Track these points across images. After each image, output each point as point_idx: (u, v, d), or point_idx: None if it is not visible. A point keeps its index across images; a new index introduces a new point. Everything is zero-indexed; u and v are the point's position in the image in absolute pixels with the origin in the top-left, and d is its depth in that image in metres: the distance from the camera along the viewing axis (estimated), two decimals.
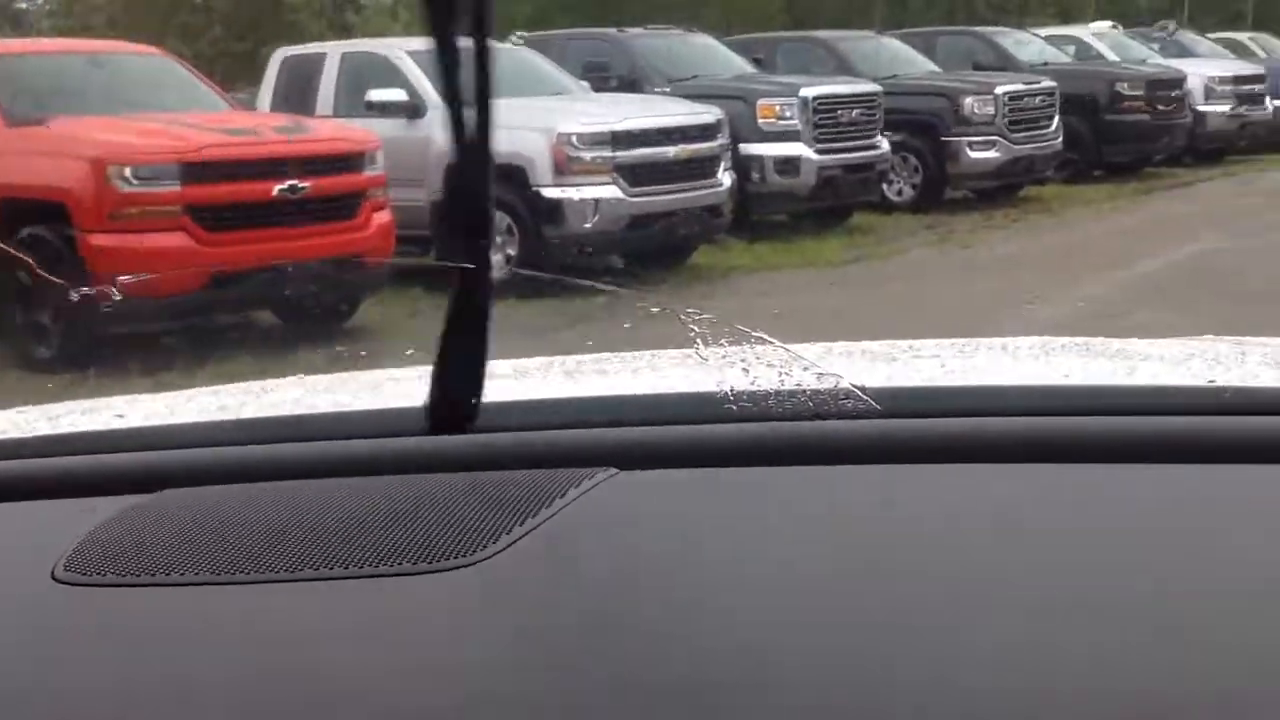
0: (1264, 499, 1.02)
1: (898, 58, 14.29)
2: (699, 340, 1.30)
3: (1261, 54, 21.25)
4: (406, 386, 1.44)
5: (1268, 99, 17.69)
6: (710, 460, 1.14)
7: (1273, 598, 0.87)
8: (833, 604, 0.91)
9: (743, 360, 1.26)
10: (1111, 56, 17.22)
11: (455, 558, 0.98)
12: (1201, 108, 16.68)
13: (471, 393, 1.21)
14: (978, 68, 14.73)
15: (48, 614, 0.99)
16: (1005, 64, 15.08)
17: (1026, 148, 13.36)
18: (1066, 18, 28.06)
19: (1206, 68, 17.35)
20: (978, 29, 16.70)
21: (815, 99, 11.50)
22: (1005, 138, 13.14)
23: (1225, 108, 16.93)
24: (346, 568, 0.99)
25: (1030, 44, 16.30)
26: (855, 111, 11.87)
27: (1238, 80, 17.31)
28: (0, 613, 1.02)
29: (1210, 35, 22.19)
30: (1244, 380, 1.27)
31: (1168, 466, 1.06)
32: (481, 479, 1.13)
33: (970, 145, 13.07)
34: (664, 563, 1.00)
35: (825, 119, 11.56)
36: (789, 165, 11.33)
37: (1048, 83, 13.83)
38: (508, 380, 1.50)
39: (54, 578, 1.01)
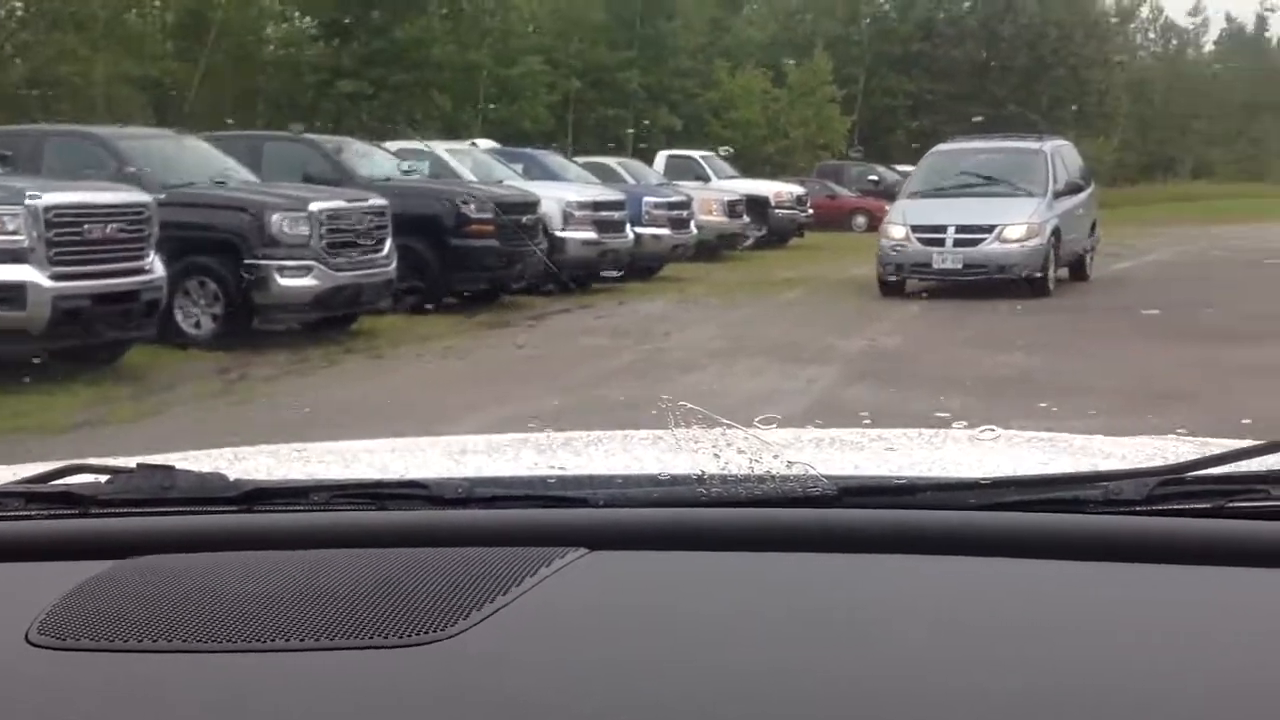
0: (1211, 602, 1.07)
1: (202, 162, 11.89)
2: (671, 421, 1.36)
3: (629, 180, 20.94)
4: (380, 459, 1.63)
5: (628, 226, 16.95)
6: (680, 544, 1.17)
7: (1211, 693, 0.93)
8: (800, 693, 0.94)
9: (714, 445, 1.30)
10: (468, 175, 15.75)
11: (425, 633, 1.00)
12: (560, 234, 15.57)
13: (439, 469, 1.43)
14: (309, 180, 12.60)
15: (22, 677, 1.01)
16: (342, 177, 13.09)
17: (351, 274, 11.32)
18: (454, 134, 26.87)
19: (565, 192, 16.30)
20: (312, 137, 14.63)
21: (50, 209, 8.84)
22: (324, 262, 11.03)
23: (585, 234, 15.91)
24: (317, 639, 1.01)
25: (373, 156, 14.45)
26: (112, 227, 9.31)
27: (597, 206, 16.38)
28: None
29: (580, 160, 21.67)
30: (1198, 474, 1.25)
31: (1142, 566, 1.11)
32: (452, 555, 1.14)
33: (280, 271, 10.85)
34: (632, 646, 1.02)
35: (67, 235, 8.94)
36: (10, 294, 8.60)
37: (376, 200, 11.90)
38: (480, 455, 1.64)
39: (28, 641, 1.03)
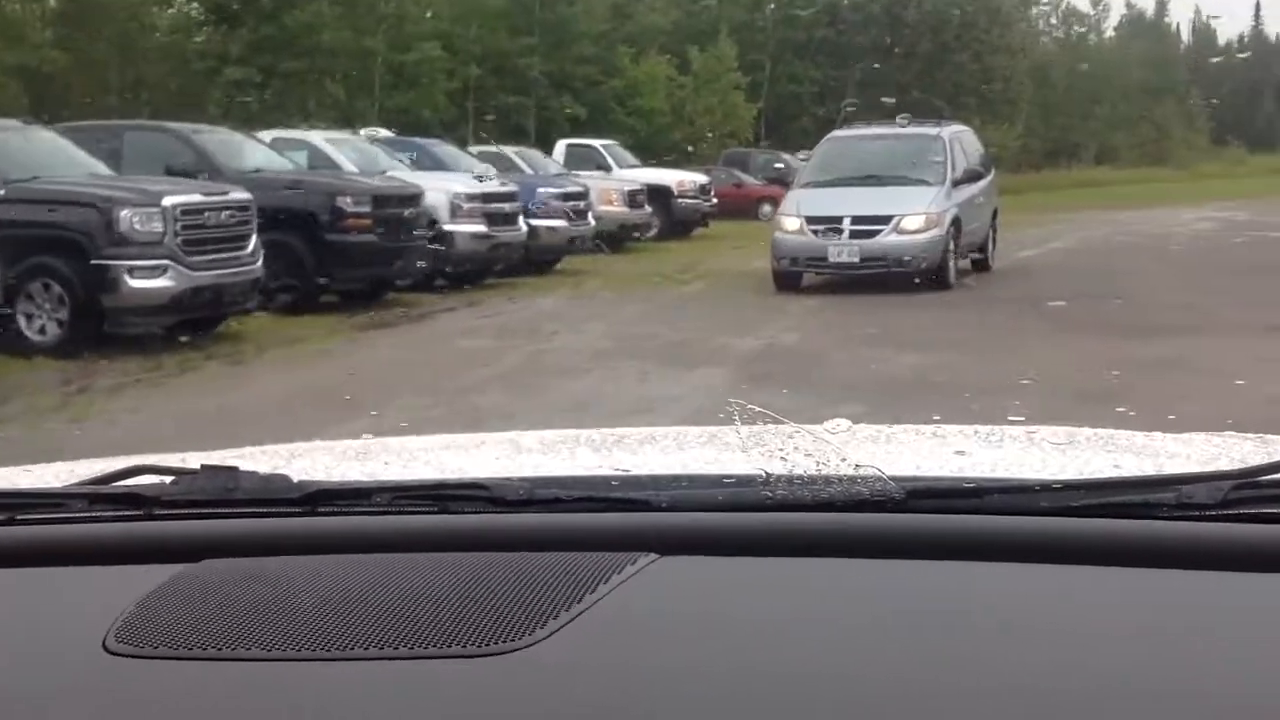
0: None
1: (50, 155, 11.00)
2: (737, 420, 1.34)
3: (527, 169, 20.26)
4: (437, 457, 1.64)
5: (521, 218, 16.26)
6: (748, 549, 1.15)
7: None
8: (870, 701, 0.94)
9: (778, 445, 1.27)
10: (348, 166, 14.94)
11: (503, 641, 1.00)
12: (448, 227, 14.82)
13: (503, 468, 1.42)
14: (171, 173, 11.75)
15: (102, 686, 1.00)
16: (209, 169, 12.25)
17: (212, 274, 10.52)
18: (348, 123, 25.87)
19: (453, 183, 15.55)
20: (174, 125, 13.73)
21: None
22: (180, 262, 10.22)
23: (475, 227, 15.19)
24: (395, 648, 1.00)
25: (242, 145, 13.59)
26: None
27: (487, 198, 15.65)
28: (53, 682, 1.02)
29: (476, 149, 20.93)
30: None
31: (1219, 574, 1.08)
32: (521, 560, 1.13)
33: (131, 271, 10.02)
34: (706, 653, 1.02)
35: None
36: None
37: (239, 194, 11.09)
38: (536, 454, 1.63)
39: (105, 648, 1.02)
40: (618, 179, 23.15)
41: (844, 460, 1.22)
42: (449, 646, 1.00)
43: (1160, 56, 67.11)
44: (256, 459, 1.53)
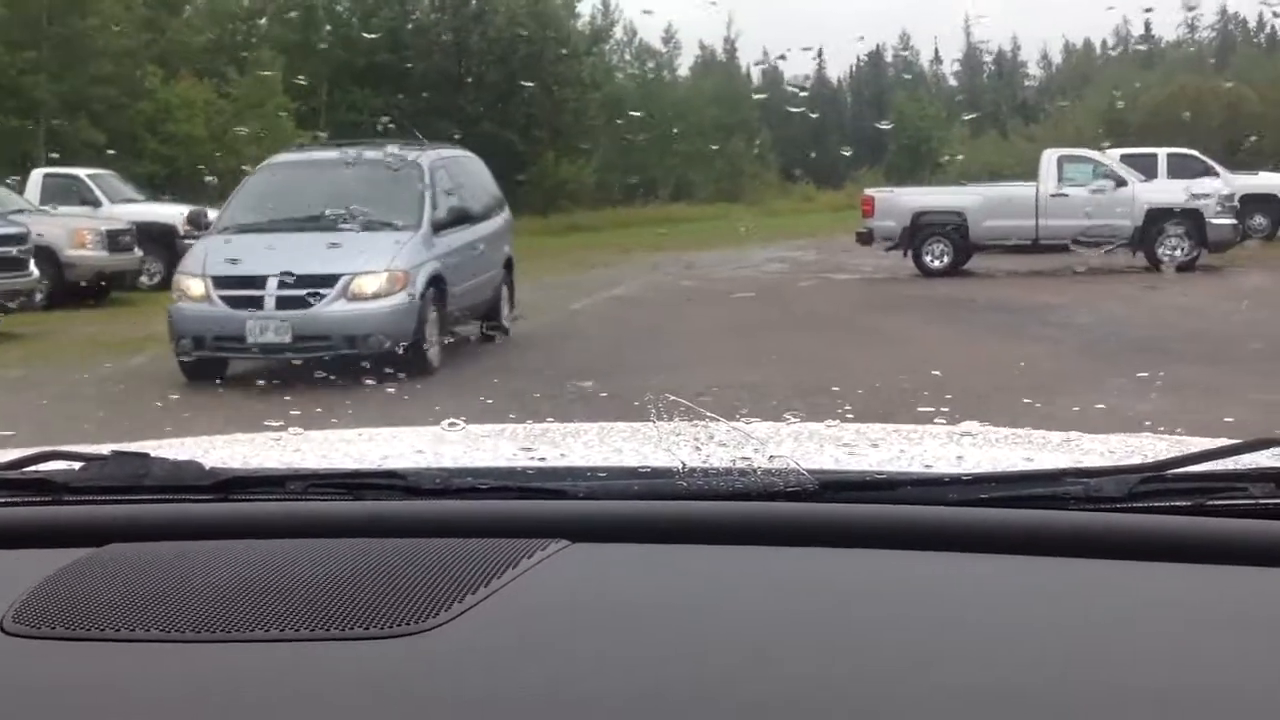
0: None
1: None
2: (653, 414, 1.40)
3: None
4: (357, 448, 1.66)
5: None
6: (660, 537, 1.18)
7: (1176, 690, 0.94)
8: (779, 685, 0.94)
9: (696, 437, 1.33)
10: None
11: (406, 624, 1.01)
12: None
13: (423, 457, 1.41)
14: None
15: None
16: None
17: None
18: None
19: None
20: None
21: None
22: None
23: None
24: (296, 630, 1.01)
25: None
26: None
27: None
28: None
29: None
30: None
31: (1123, 563, 1.11)
32: (431, 545, 1.15)
33: None
34: (612, 638, 1.03)
35: None
36: None
37: None
38: (458, 446, 1.62)
39: (2, 629, 1.03)
40: (100, 217, 19.12)
41: (759, 452, 1.26)
42: (352, 628, 1.00)
43: (731, 95, 68.03)
44: (173, 448, 1.52)
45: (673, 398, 1.38)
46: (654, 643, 1.01)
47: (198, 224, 11.31)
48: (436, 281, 10.83)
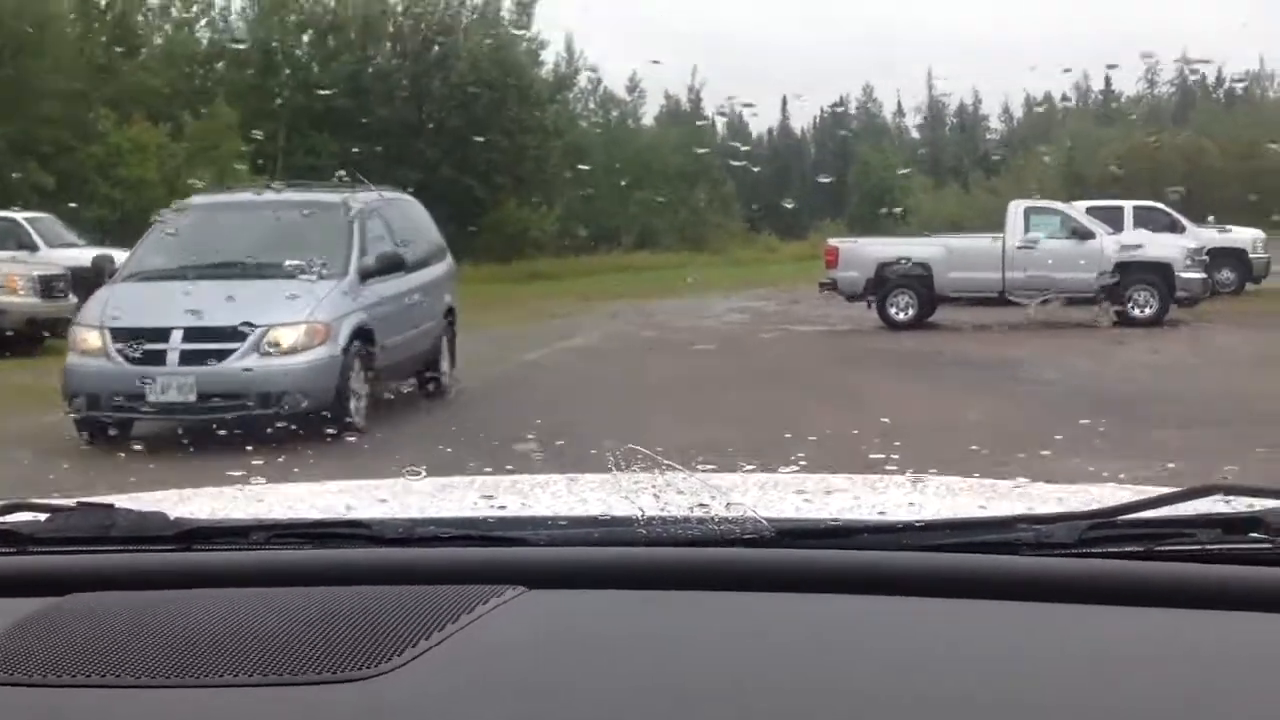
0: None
1: None
2: (614, 466, 1.41)
3: None
4: (324, 500, 1.64)
5: None
6: (617, 583, 1.18)
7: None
8: None
9: (656, 487, 1.34)
10: None
11: (360, 668, 1.02)
12: None
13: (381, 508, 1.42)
14: None
15: None
16: None
17: None
18: None
19: None
20: None
21: None
22: None
23: None
24: (250, 675, 1.02)
25: None
26: None
27: None
28: None
29: None
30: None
31: (1073, 607, 1.13)
32: (391, 593, 1.15)
33: None
34: (564, 683, 1.03)
35: None
36: None
37: None
38: (425, 497, 1.63)
39: None
40: (35, 261, 18.43)
41: (717, 500, 1.27)
42: (303, 673, 1.01)
43: (695, 144, 67.91)
44: (139, 500, 1.53)
45: (634, 448, 1.39)
46: (608, 687, 1.01)
47: (102, 271, 10.19)
48: (363, 334, 9.83)
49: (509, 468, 1.70)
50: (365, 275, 10.21)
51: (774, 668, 1.03)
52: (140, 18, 40.48)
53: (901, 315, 20.72)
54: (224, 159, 35.20)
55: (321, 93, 39.86)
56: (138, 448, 8.79)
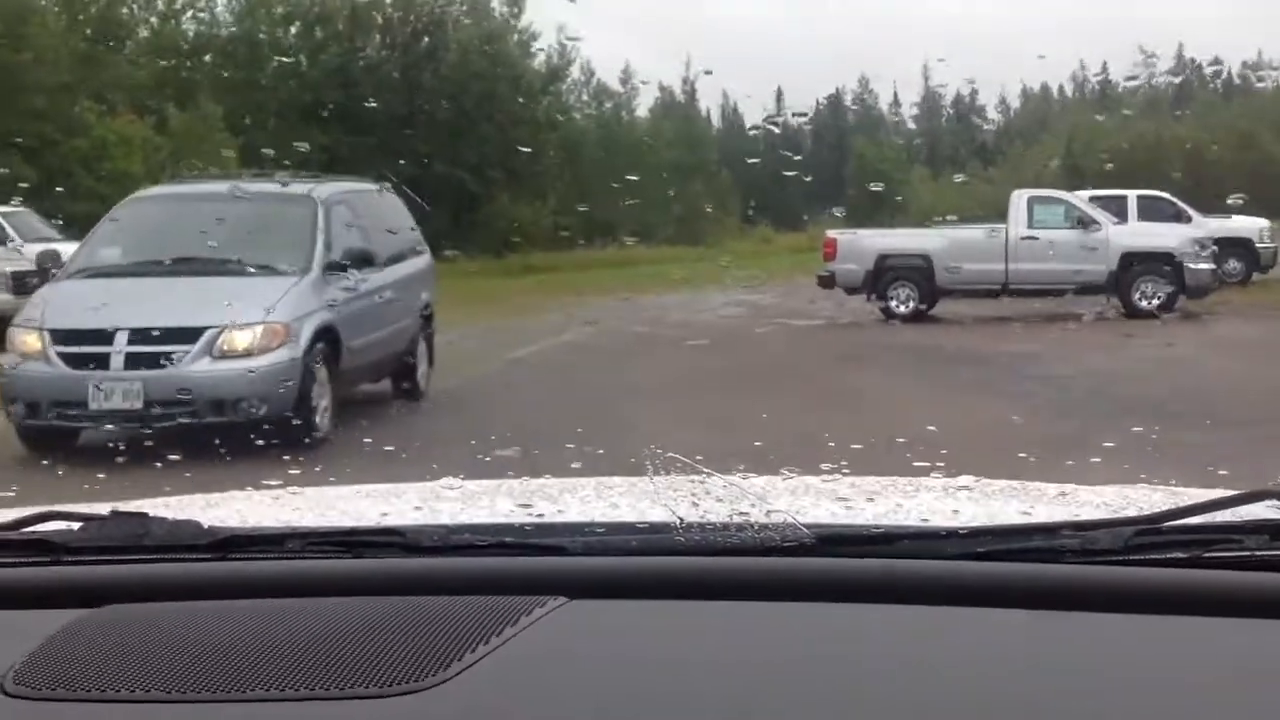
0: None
1: None
2: (649, 470, 1.41)
3: None
4: (355, 505, 1.62)
5: None
6: (658, 593, 1.18)
7: None
8: None
9: (691, 492, 1.33)
10: None
11: (406, 683, 1.01)
12: None
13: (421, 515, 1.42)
14: None
15: None
16: None
17: None
18: None
19: None
20: None
21: None
22: None
23: None
24: (296, 690, 1.01)
25: None
26: None
27: None
28: None
29: None
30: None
31: (1119, 616, 1.12)
32: (430, 604, 1.15)
33: None
34: (612, 696, 1.03)
35: None
36: None
37: None
38: (455, 503, 1.63)
39: (3, 690, 1.03)
40: (8, 256, 17.86)
41: (756, 507, 1.25)
42: (350, 688, 1.00)
43: (691, 137, 67.33)
44: (171, 507, 1.52)
45: (670, 454, 1.37)
46: (653, 698, 1.01)
47: (47, 268, 9.43)
48: (328, 335, 9.01)
49: (545, 476, 1.71)
50: (332, 271, 9.47)
51: (820, 679, 1.03)
52: (125, 10, 39.82)
53: (902, 308, 20.15)
54: (210, 152, 34.65)
55: (309, 86, 39.31)
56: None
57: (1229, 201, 23.90)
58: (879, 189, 57.12)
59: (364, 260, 9.85)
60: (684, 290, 28.39)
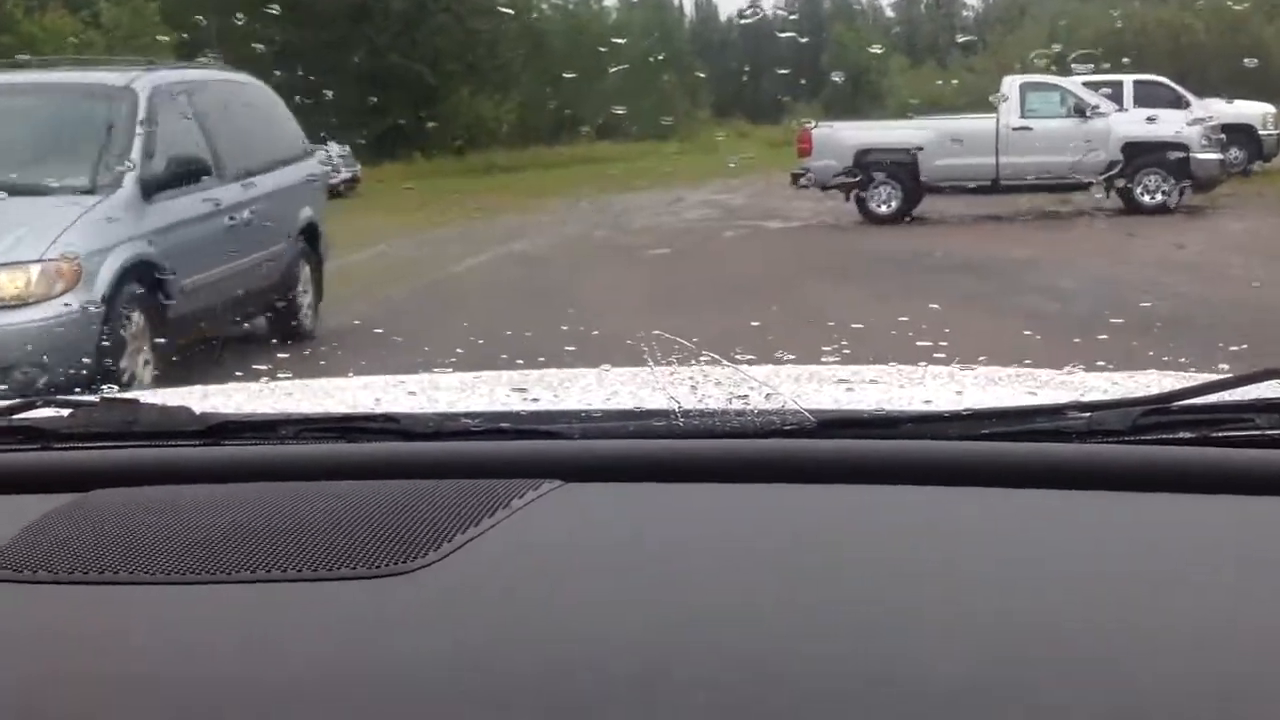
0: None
1: None
2: (649, 357, 1.40)
3: None
4: (351, 395, 1.60)
5: None
6: (654, 475, 1.16)
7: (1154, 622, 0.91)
8: (776, 623, 0.92)
9: (691, 378, 1.32)
10: None
11: (395, 564, 1.00)
12: None
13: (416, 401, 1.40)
14: None
15: None
16: None
17: None
18: None
19: None
20: None
21: None
22: None
23: None
24: (285, 570, 0.99)
25: None
26: None
27: None
28: None
29: None
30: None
31: (1127, 495, 1.11)
32: (424, 487, 1.14)
33: None
34: (604, 576, 1.02)
35: None
36: None
37: None
38: (454, 391, 1.61)
39: None
40: None
41: (757, 392, 1.24)
42: (340, 568, 0.99)
43: (662, 27, 65.19)
44: (166, 397, 1.49)
45: (669, 337, 1.34)
46: (648, 579, 0.99)
47: None
48: (144, 273, 6.98)
49: (541, 359, 1.60)
50: (156, 187, 7.36)
51: (817, 558, 1.01)
52: None
53: (884, 208, 18.57)
54: (146, 48, 32.68)
55: None
56: None
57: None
58: (859, 83, 55.23)
59: (198, 171, 7.79)
60: (654, 189, 26.80)
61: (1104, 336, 7.16)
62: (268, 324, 8.84)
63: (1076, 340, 8.05)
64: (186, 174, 7.62)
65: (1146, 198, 17.54)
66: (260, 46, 36.81)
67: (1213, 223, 16.71)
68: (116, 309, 6.68)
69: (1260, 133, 23.46)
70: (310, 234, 9.40)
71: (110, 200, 7.04)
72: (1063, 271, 11.80)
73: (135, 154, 7.29)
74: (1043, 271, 11.93)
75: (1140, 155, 17.58)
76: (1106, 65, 24.08)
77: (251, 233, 8.35)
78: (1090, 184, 17.19)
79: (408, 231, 17.87)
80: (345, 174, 29.12)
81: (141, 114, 7.43)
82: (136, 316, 6.86)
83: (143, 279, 7.01)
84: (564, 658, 0.88)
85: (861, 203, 18.63)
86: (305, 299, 9.12)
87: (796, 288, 11.12)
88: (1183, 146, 17.45)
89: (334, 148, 28.55)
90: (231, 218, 8.17)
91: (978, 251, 14.19)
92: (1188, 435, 1.18)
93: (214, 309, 7.70)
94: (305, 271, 9.17)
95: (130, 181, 7.19)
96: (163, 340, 6.84)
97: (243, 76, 9.53)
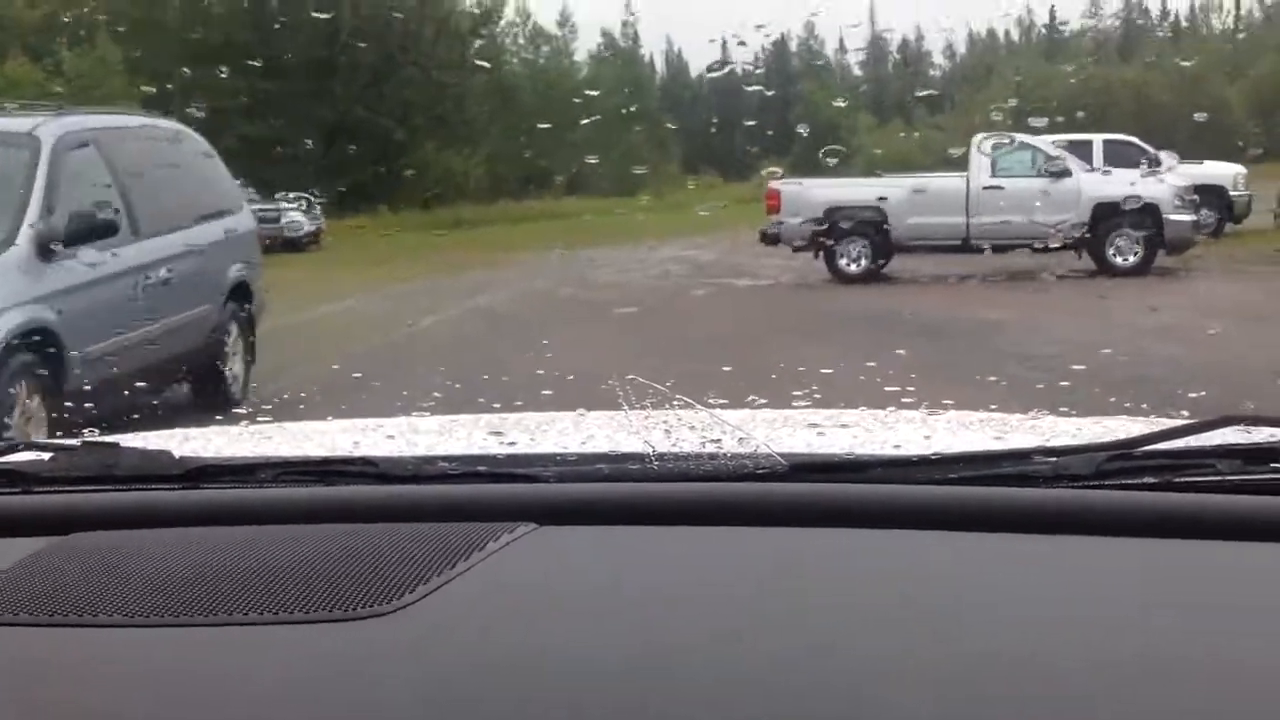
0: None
1: None
2: (624, 401, 1.41)
3: None
4: (331, 439, 1.61)
5: None
6: (629, 518, 1.18)
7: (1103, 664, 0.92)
8: (747, 664, 0.93)
9: (665, 422, 1.35)
10: None
11: (371, 606, 1.01)
12: None
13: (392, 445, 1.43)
14: None
15: None
16: None
17: None
18: None
19: None
20: None
21: None
22: None
23: None
24: (261, 613, 1.00)
25: None
26: None
27: None
28: None
29: None
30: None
31: (1091, 539, 1.12)
32: (400, 530, 1.15)
33: None
34: (577, 619, 1.02)
35: None
36: None
37: None
38: (432, 435, 1.63)
39: None
40: None
41: (729, 436, 1.27)
42: (317, 611, 0.99)
43: (633, 82, 65.39)
44: (145, 439, 1.50)
45: (643, 381, 1.36)
46: (621, 622, 1.00)
47: None
48: (36, 341, 6.28)
49: (518, 403, 1.54)
50: (58, 244, 6.65)
51: (788, 602, 1.01)
52: None
53: (853, 266, 18.35)
54: (109, 98, 32.36)
55: (216, 25, 36.81)
56: None
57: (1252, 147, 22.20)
58: (828, 141, 55.44)
59: (115, 227, 7.06)
60: (621, 245, 26.56)
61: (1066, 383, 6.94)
62: (191, 392, 8.12)
63: (1040, 386, 7.81)
64: (94, 229, 6.96)
65: (1119, 259, 17.38)
66: (225, 100, 36.59)
67: (1185, 286, 16.53)
68: (3, 378, 6.06)
69: (1231, 194, 23.41)
70: (240, 294, 8.69)
71: (1, 259, 6.42)
72: (1034, 336, 11.56)
73: (34, 207, 6.65)
74: (1016, 334, 11.70)
75: (1111, 216, 17.43)
76: (1060, 119, 24.10)
77: (170, 293, 7.69)
78: (1061, 245, 17.02)
79: (372, 288, 17.52)
80: (310, 227, 28.83)
81: (44, 163, 6.81)
82: (21, 389, 6.22)
83: (36, 348, 6.36)
84: (539, 700, 0.89)
85: (830, 261, 18.42)
86: (233, 365, 8.47)
87: (766, 348, 10.83)
88: (1155, 208, 17.33)
89: (296, 201, 28.23)
90: (147, 277, 7.50)
91: (949, 312, 13.94)
92: (1151, 480, 1.20)
93: (122, 379, 6.82)
94: (233, 335, 8.51)
95: (25, 238, 6.54)
96: (56, 415, 6.22)
97: (168, 123, 8.79)
